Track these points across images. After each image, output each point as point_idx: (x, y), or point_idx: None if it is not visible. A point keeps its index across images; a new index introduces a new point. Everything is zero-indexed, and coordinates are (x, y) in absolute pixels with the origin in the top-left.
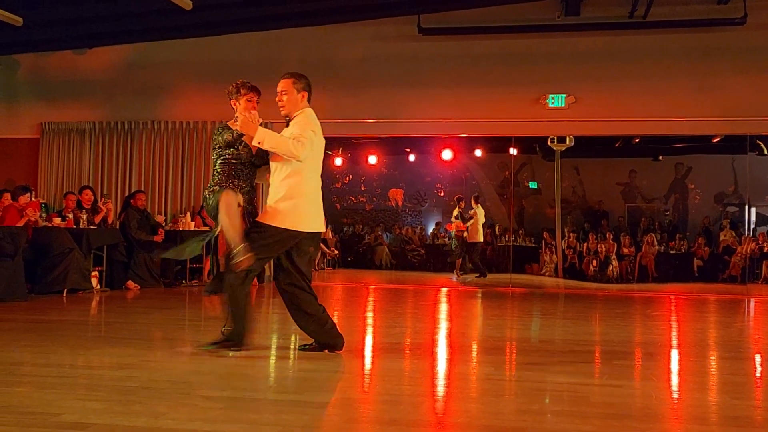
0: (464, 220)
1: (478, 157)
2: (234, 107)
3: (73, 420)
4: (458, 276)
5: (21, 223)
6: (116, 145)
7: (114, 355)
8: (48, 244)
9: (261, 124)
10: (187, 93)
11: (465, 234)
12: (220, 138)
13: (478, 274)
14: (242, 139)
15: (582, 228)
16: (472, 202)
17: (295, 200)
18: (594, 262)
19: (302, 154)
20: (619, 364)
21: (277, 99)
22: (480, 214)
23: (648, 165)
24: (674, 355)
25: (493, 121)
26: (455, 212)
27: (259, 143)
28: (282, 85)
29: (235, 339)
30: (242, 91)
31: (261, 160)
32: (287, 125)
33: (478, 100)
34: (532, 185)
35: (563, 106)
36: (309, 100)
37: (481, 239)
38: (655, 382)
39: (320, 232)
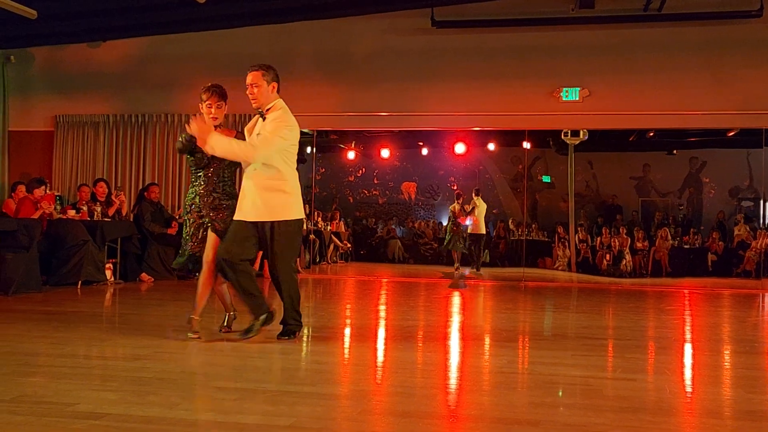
0: (465, 214)
1: (492, 151)
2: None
3: (88, 410)
4: (472, 270)
5: (36, 216)
6: (130, 137)
7: (128, 347)
8: (63, 237)
9: (218, 126)
10: (201, 86)
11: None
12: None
13: (473, 267)
14: (196, 144)
15: (595, 222)
16: (473, 195)
17: (271, 192)
18: (607, 256)
19: (256, 157)
20: (633, 357)
21: (247, 92)
22: (481, 207)
23: (662, 159)
24: (688, 349)
25: (507, 115)
26: (452, 207)
27: (212, 151)
28: (251, 77)
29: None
30: (203, 96)
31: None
32: (262, 117)
33: (492, 94)
34: (546, 179)
35: (577, 99)
36: (278, 90)
37: (483, 231)
38: (668, 376)
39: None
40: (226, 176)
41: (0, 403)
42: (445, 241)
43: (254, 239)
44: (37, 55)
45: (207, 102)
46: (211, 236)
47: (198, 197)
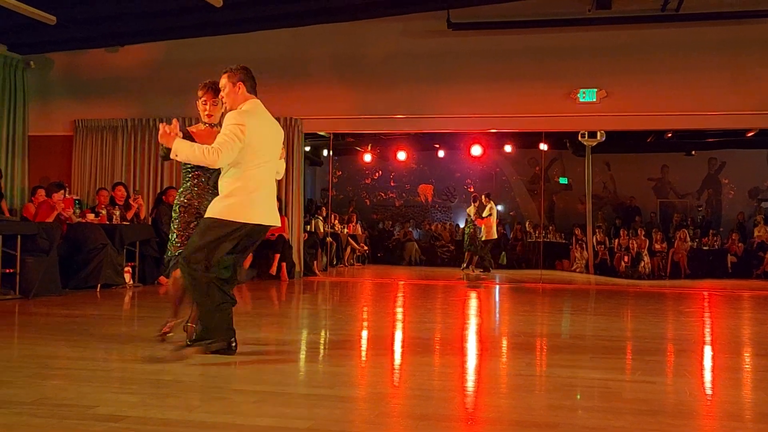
0: (481, 217)
1: (508, 153)
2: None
3: (108, 412)
4: (466, 269)
5: (51, 218)
6: (148, 141)
7: (147, 349)
8: (82, 240)
9: (213, 125)
10: None
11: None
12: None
13: (482, 270)
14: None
15: (613, 224)
16: (483, 199)
17: (238, 196)
18: (626, 258)
19: (218, 161)
20: (652, 360)
21: (220, 96)
22: (493, 211)
23: (680, 160)
24: (708, 351)
25: (524, 117)
26: (470, 210)
27: (176, 156)
28: (221, 82)
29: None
30: (198, 93)
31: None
32: None
33: (508, 96)
34: (563, 181)
35: (594, 100)
36: (252, 90)
37: (495, 236)
38: (688, 379)
39: (265, 225)
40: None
41: (21, 405)
42: (466, 243)
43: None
44: (56, 60)
45: (202, 99)
46: None
47: (197, 198)
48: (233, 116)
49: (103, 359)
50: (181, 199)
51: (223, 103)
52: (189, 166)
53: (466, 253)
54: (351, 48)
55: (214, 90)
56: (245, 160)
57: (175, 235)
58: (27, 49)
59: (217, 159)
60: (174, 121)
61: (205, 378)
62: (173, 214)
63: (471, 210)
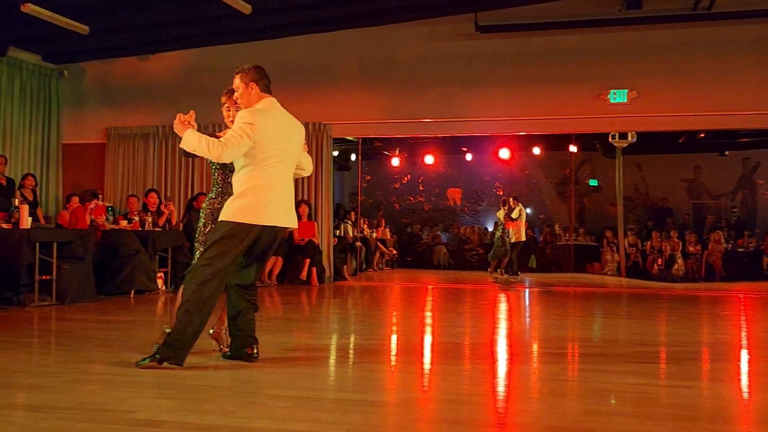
0: (511, 220)
1: (537, 155)
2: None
3: (146, 417)
4: (495, 273)
5: (85, 225)
6: (179, 148)
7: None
8: (115, 247)
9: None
10: None
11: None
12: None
13: (510, 273)
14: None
15: (645, 226)
16: (512, 202)
17: (251, 197)
18: (659, 260)
19: (222, 155)
20: (688, 364)
21: (234, 97)
22: (522, 213)
23: (714, 160)
24: (744, 355)
25: (553, 119)
26: (500, 213)
27: (184, 145)
28: (234, 83)
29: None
30: (222, 99)
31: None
32: None
33: (537, 98)
34: (593, 183)
35: (625, 101)
36: (266, 89)
37: (524, 238)
38: (726, 383)
39: (279, 228)
40: None
41: (62, 410)
42: (495, 247)
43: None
44: (88, 69)
45: (225, 105)
46: None
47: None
48: (244, 114)
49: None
50: (210, 205)
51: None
52: (217, 170)
53: (493, 259)
54: (379, 52)
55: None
56: (257, 160)
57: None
58: (60, 59)
59: (221, 153)
60: (191, 111)
61: (239, 383)
62: (200, 221)
63: (501, 213)
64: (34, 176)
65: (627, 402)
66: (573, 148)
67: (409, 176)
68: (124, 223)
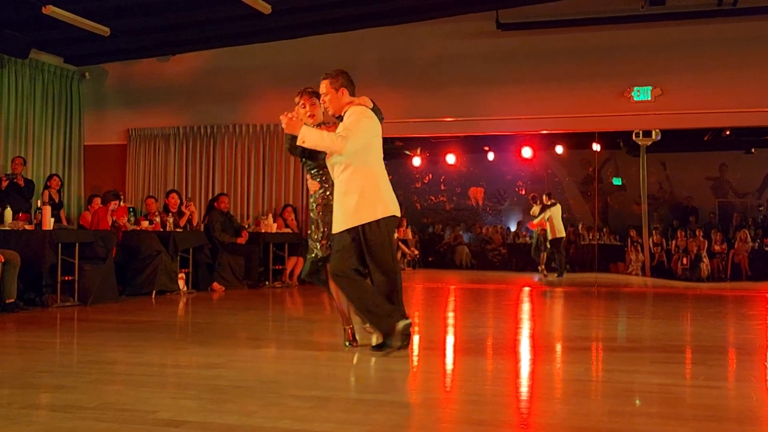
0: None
1: (560, 154)
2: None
3: (168, 417)
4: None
5: (107, 226)
6: (199, 149)
7: (202, 355)
8: (137, 247)
9: (319, 124)
10: (267, 96)
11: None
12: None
13: (557, 274)
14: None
15: (670, 225)
16: (545, 199)
17: (354, 194)
18: (684, 260)
19: (345, 147)
20: (715, 364)
21: (321, 101)
22: (551, 211)
23: (740, 158)
24: None
25: (576, 117)
26: (532, 211)
27: (303, 142)
28: (321, 87)
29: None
30: (296, 99)
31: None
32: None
33: (560, 96)
34: (617, 181)
35: (649, 99)
36: (353, 93)
37: (561, 234)
38: (753, 384)
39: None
40: None
41: (85, 410)
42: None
43: (352, 248)
44: (109, 71)
45: (301, 103)
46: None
47: (331, 195)
48: (360, 111)
49: (159, 365)
50: (318, 198)
51: (321, 104)
52: (313, 165)
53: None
54: (399, 51)
55: (309, 93)
56: (366, 157)
57: (320, 235)
58: (82, 61)
59: (344, 146)
60: (296, 108)
61: (261, 383)
62: (311, 214)
63: (535, 210)
64: (59, 177)
65: (652, 402)
66: (596, 147)
67: (430, 176)
68: (145, 224)
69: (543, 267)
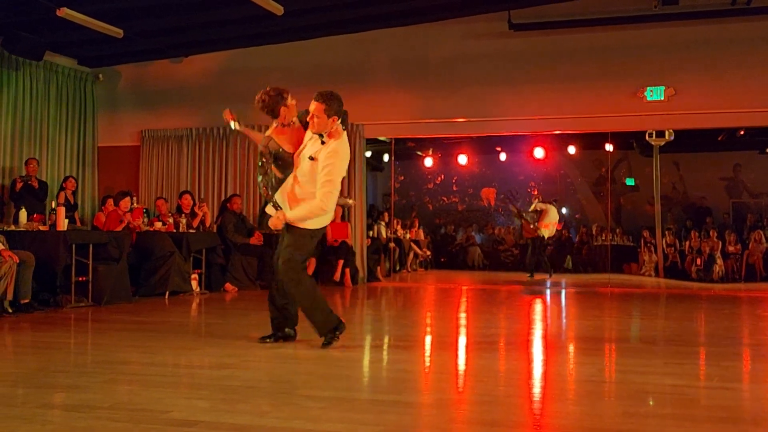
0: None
1: (572, 154)
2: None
3: (181, 417)
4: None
5: (120, 228)
6: (212, 150)
7: (215, 356)
8: (150, 248)
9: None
10: None
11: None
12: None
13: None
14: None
15: (684, 225)
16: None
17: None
18: (698, 260)
19: (331, 204)
20: (729, 365)
21: (308, 118)
22: (551, 211)
23: (754, 158)
24: None
25: (589, 117)
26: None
27: (295, 221)
28: (313, 107)
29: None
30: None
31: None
32: (321, 139)
33: (572, 96)
34: (630, 182)
35: (662, 99)
36: (344, 123)
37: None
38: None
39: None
40: None
41: (99, 410)
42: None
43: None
44: (123, 72)
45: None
46: None
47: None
48: (342, 152)
49: (173, 365)
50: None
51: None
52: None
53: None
54: (411, 52)
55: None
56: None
57: None
58: (96, 63)
59: (330, 202)
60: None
61: (273, 383)
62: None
63: (535, 206)
64: (75, 179)
65: (666, 404)
66: (609, 147)
67: (442, 176)
68: (158, 225)
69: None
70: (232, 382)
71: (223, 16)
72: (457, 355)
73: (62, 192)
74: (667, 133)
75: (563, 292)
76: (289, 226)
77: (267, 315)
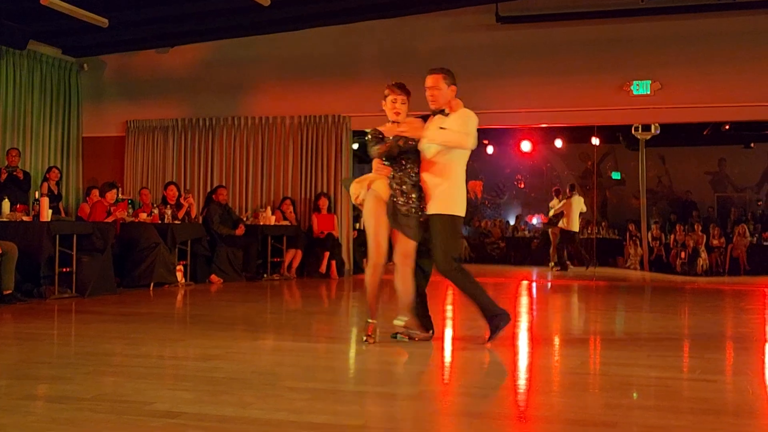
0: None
1: (559, 148)
2: (384, 109)
3: (164, 408)
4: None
5: (106, 219)
6: (198, 141)
7: (199, 347)
8: (135, 239)
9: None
10: (267, 88)
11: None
12: (373, 151)
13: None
14: (401, 143)
15: (669, 219)
16: (568, 192)
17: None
18: (682, 254)
19: (470, 143)
20: (712, 358)
21: (427, 94)
22: (576, 203)
23: (739, 153)
24: None
25: (575, 110)
26: (552, 203)
27: (432, 140)
28: (432, 80)
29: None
30: (386, 92)
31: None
32: (444, 115)
33: (559, 89)
34: (616, 176)
35: (648, 93)
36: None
37: (574, 229)
38: (750, 377)
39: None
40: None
41: (81, 401)
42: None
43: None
44: (108, 62)
45: (393, 98)
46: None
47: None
48: (471, 114)
49: (157, 356)
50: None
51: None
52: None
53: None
54: (399, 44)
55: (403, 89)
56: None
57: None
58: (80, 52)
59: (473, 143)
60: (391, 111)
61: (258, 375)
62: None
63: (554, 203)
64: (58, 169)
65: (649, 395)
66: (595, 141)
67: None
68: (143, 216)
69: (553, 263)
70: (216, 373)
71: (209, 7)
72: (442, 347)
73: (46, 182)
74: (653, 126)
75: (549, 285)
76: (434, 217)
77: (251, 307)
